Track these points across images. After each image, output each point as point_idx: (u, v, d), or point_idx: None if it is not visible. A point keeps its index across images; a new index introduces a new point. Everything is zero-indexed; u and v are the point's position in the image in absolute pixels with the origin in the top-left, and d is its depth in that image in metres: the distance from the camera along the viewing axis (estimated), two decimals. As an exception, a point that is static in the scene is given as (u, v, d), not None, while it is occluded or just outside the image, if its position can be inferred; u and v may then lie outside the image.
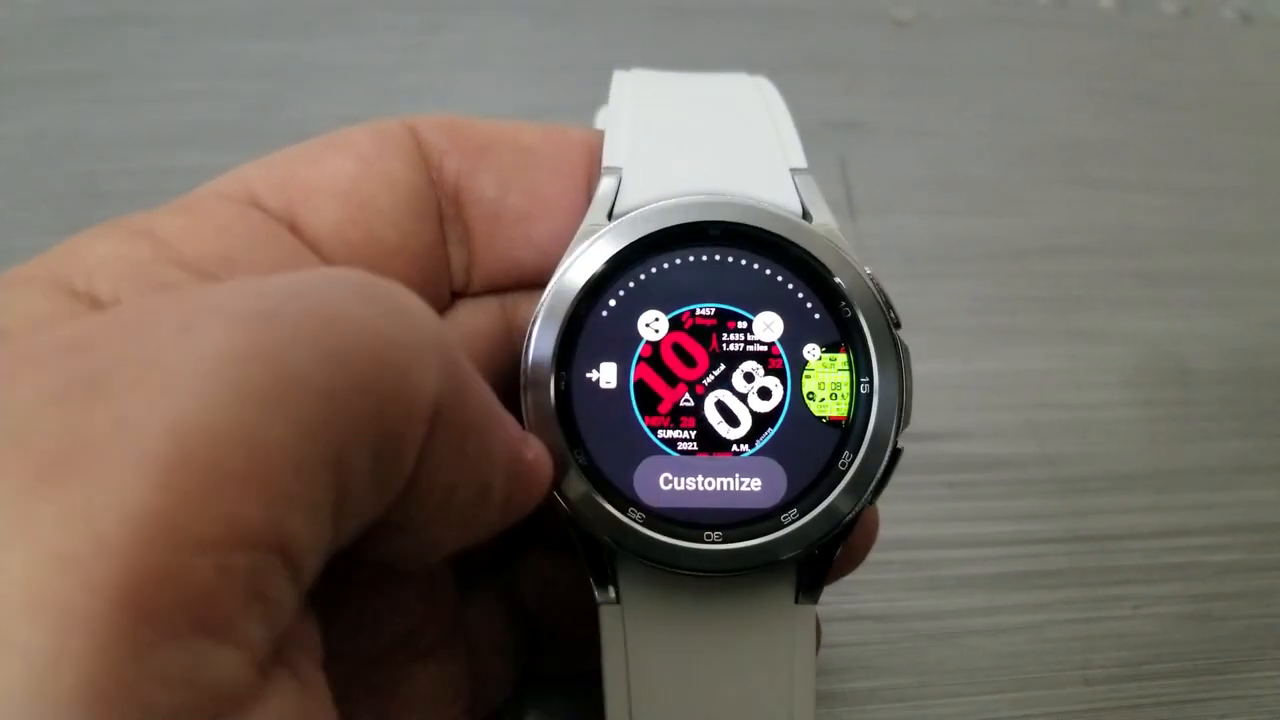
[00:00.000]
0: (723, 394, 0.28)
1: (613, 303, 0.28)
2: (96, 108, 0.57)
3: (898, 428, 0.27)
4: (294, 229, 0.27)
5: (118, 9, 0.62)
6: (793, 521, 0.27)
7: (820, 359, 0.28)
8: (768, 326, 0.28)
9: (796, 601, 0.28)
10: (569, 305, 0.27)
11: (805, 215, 0.28)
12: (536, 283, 0.29)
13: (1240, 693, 0.37)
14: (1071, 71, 0.64)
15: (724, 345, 0.28)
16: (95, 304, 0.22)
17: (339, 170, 0.27)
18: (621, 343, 0.28)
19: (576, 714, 0.34)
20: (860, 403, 0.28)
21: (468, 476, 0.22)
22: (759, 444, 0.28)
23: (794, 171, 0.29)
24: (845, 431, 0.28)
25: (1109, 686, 0.37)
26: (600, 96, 0.32)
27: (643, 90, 0.32)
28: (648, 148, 0.29)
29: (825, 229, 0.28)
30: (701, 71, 0.34)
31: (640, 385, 0.28)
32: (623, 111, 0.31)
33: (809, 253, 0.28)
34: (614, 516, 0.27)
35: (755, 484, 0.27)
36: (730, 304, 0.28)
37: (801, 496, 0.27)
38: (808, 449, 0.28)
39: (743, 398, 0.28)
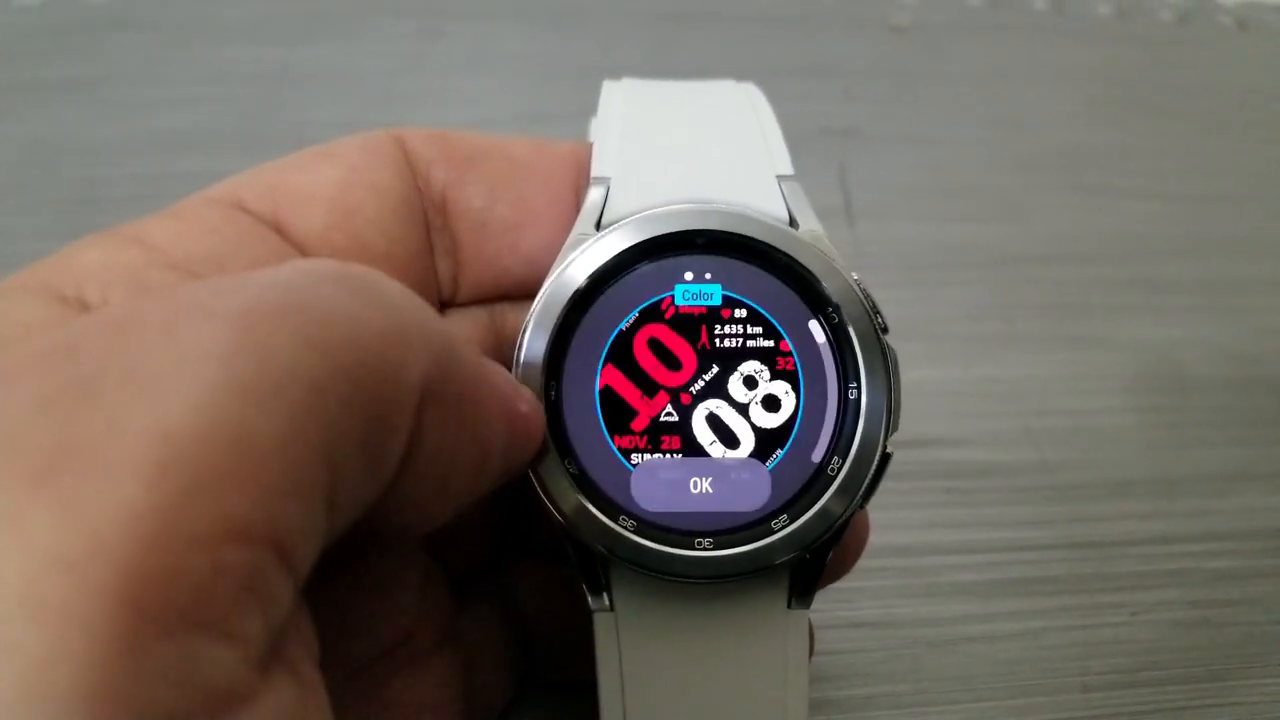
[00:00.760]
0: (716, 404, 0.28)
1: (601, 311, 0.27)
2: (94, 113, 0.57)
3: (886, 432, 0.27)
4: (280, 233, 0.27)
5: (115, 15, 0.62)
6: (783, 527, 0.27)
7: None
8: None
9: (789, 607, 0.28)
10: (558, 314, 0.27)
11: (792, 222, 0.28)
12: (524, 293, 0.29)
13: (1238, 699, 0.37)
14: (1069, 78, 0.64)
15: (717, 341, 0.28)
16: (85, 309, 0.22)
17: (326, 177, 0.28)
18: (596, 349, 0.27)
19: (573, 721, 0.34)
20: (849, 408, 0.28)
21: (467, 444, 0.23)
22: (768, 465, 0.27)
23: (780, 178, 0.29)
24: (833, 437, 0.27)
25: (1107, 693, 0.37)
26: (597, 103, 0.32)
27: (631, 100, 0.32)
28: (636, 157, 0.29)
29: (812, 235, 0.28)
30: (694, 79, 0.34)
31: (607, 395, 0.27)
32: (611, 122, 0.31)
33: (795, 259, 0.27)
34: (606, 525, 0.27)
35: (744, 489, 0.27)
36: (724, 286, 0.28)
37: (791, 502, 0.27)
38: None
39: (743, 409, 0.28)
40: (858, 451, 0.27)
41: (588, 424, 0.27)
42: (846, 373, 0.27)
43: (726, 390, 0.27)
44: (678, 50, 0.63)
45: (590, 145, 0.30)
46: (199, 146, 0.55)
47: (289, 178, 0.27)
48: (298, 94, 0.59)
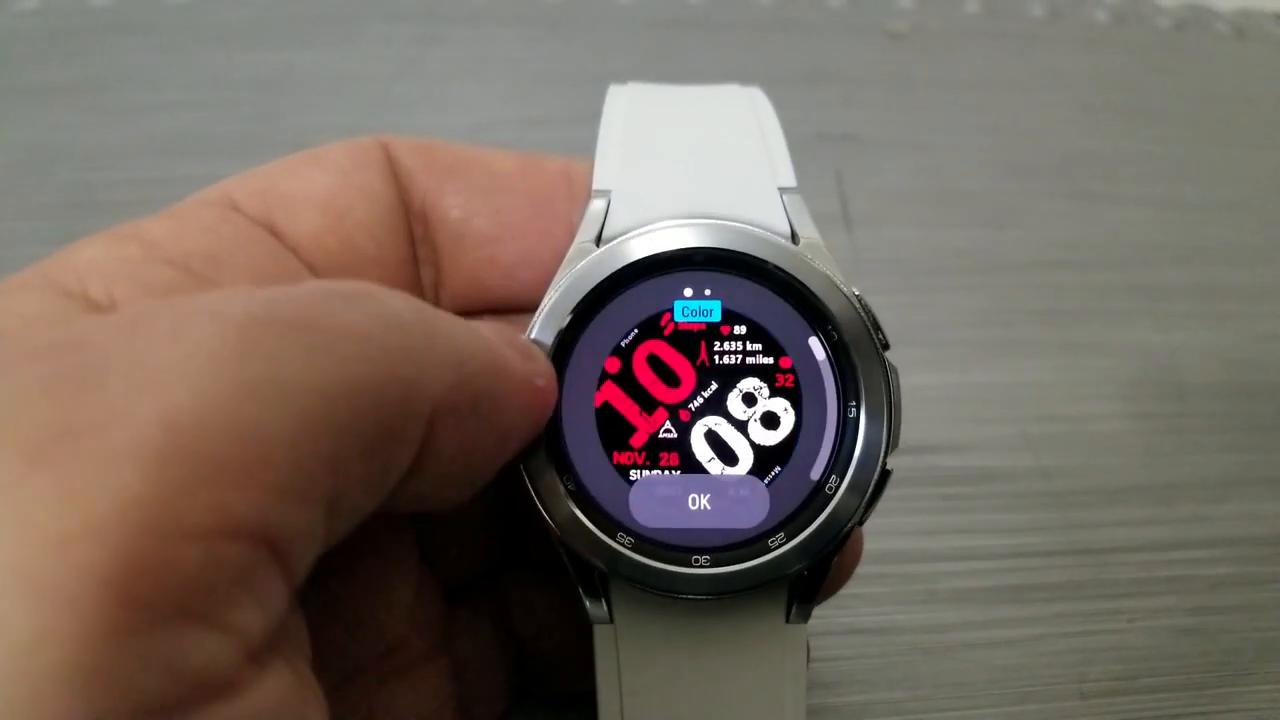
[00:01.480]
0: (715, 421, 0.28)
1: (599, 327, 0.27)
2: (93, 117, 0.57)
3: (886, 450, 0.27)
4: (273, 235, 0.27)
5: (114, 19, 0.62)
6: (780, 545, 0.27)
7: None
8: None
9: (788, 621, 0.28)
10: (557, 330, 0.27)
11: (793, 236, 0.28)
12: (504, 306, 0.29)
13: (1236, 706, 0.37)
14: (1066, 85, 0.65)
15: (716, 357, 0.28)
16: (89, 303, 0.22)
17: (317, 182, 0.28)
18: (596, 365, 0.27)
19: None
20: (848, 426, 0.27)
21: (485, 435, 0.23)
22: (766, 482, 0.27)
23: (782, 191, 0.29)
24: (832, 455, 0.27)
25: (1105, 700, 0.37)
26: (596, 108, 0.32)
27: (634, 108, 0.32)
28: (637, 169, 0.29)
29: (812, 250, 0.28)
30: (695, 84, 0.34)
31: (606, 411, 0.27)
32: (613, 132, 0.30)
33: (795, 276, 0.27)
34: (603, 541, 0.26)
35: (742, 506, 0.27)
36: (724, 302, 0.28)
37: (789, 519, 0.27)
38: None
39: (741, 426, 0.27)
40: (856, 469, 0.27)
41: (586, 440, 0.27)
42: (846, 390, 0.27)
43: (725, 407, 0.27)
44: (674, 57, 0.63)
45: (583, 161, 0.30)
46: (198, 150, 0.55)
47: (281, 182, 0.28)
48: (296, 98, 0.59)
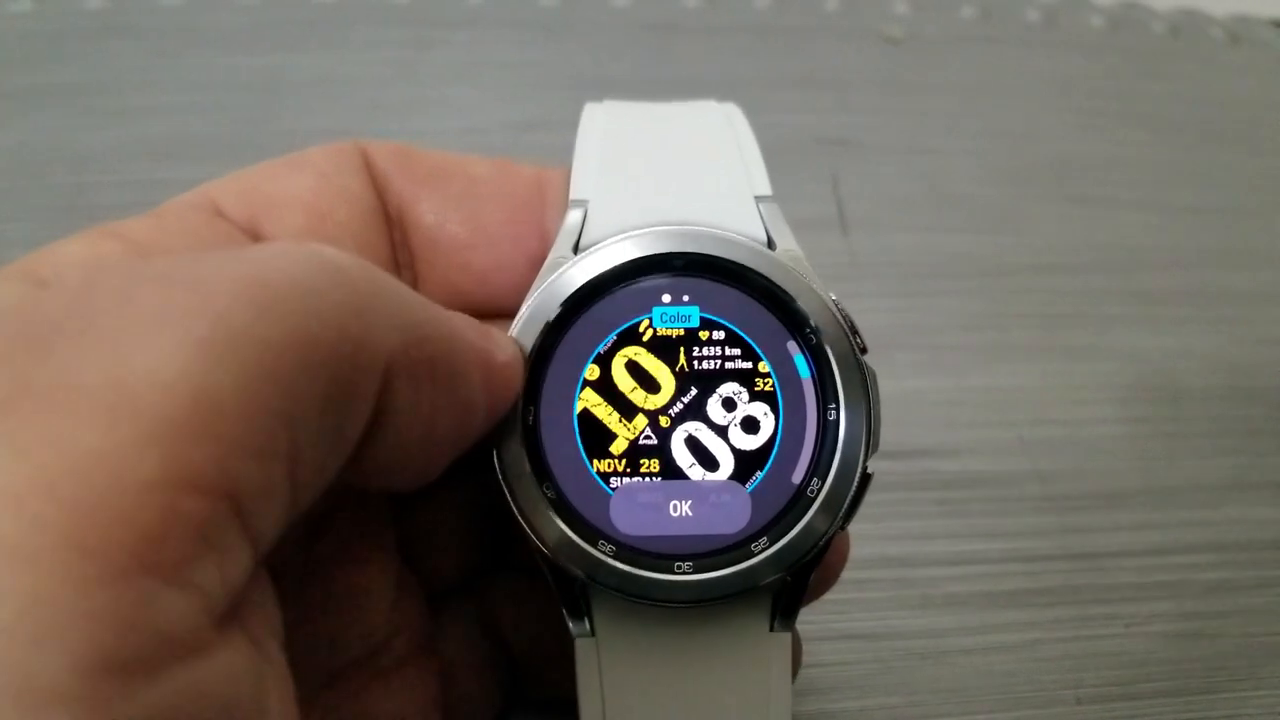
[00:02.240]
0: (695, 427, 0.27)
1: (578, 334, 0.27)
2: (85, 120, 0.56)
3: (866, 453, 0.27)
4: (257, 238, 0.27)
5: (107, 21, 0.62)
6: (763, 550, 0.27)
7: None
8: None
9: (772, 629, 0.27)
10: (536, 337, 0.27)
11: (770, 244, 0.28)
12: (480, 311, 0.29)
13: (1231, 711, 0.37)
14: (1062, 90, 0.65)
15: (695, 363, 0.28)
16: None
17: (298, 184, 0.28)
18: (575, 372, 0.27)
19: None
20: (828, 429, 0.27)
21: (445, 402, 0.23)
22: (748, 488, 0.27)
23: (759, 199, 0.29)
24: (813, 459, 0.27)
25: (1101, 705, 0.37)
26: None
27: (611, 122, 0.32)
28: (614, 180, 0.29)
29: (789, 256, 0.28)
30: (685, 90, 0.34)
31: (586, 418, 0.27)
32: (590, 144, 0.31)
33: (772, 281, 0.27)
34: (584, 550, 0.26)
35: (724, 512, 0.27)
36: (702, 308, 0.28)
37: (772, 524, 0.27)
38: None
39: (722, 431, 0.27)
40: (837, 472, 0.27)
41: (566, 448, 0.27)
42: (825, 394, 0.27)
43: (705, 412, 0.27)
44: (669, 61, 0.63)
45: (557, 169, 0.31)
46: (191, 154, 0.55)
47: (263, 184, 0.28)
48: (289, 102, 0.59)
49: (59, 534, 0.15)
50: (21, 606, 0.15)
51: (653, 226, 0.28)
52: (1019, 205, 0.57)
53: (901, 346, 0.48)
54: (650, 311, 0.27)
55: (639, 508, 0.27)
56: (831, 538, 0.27)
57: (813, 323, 0.27)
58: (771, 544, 0.27)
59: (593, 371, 0.27)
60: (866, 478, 0.27)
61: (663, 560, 0.27)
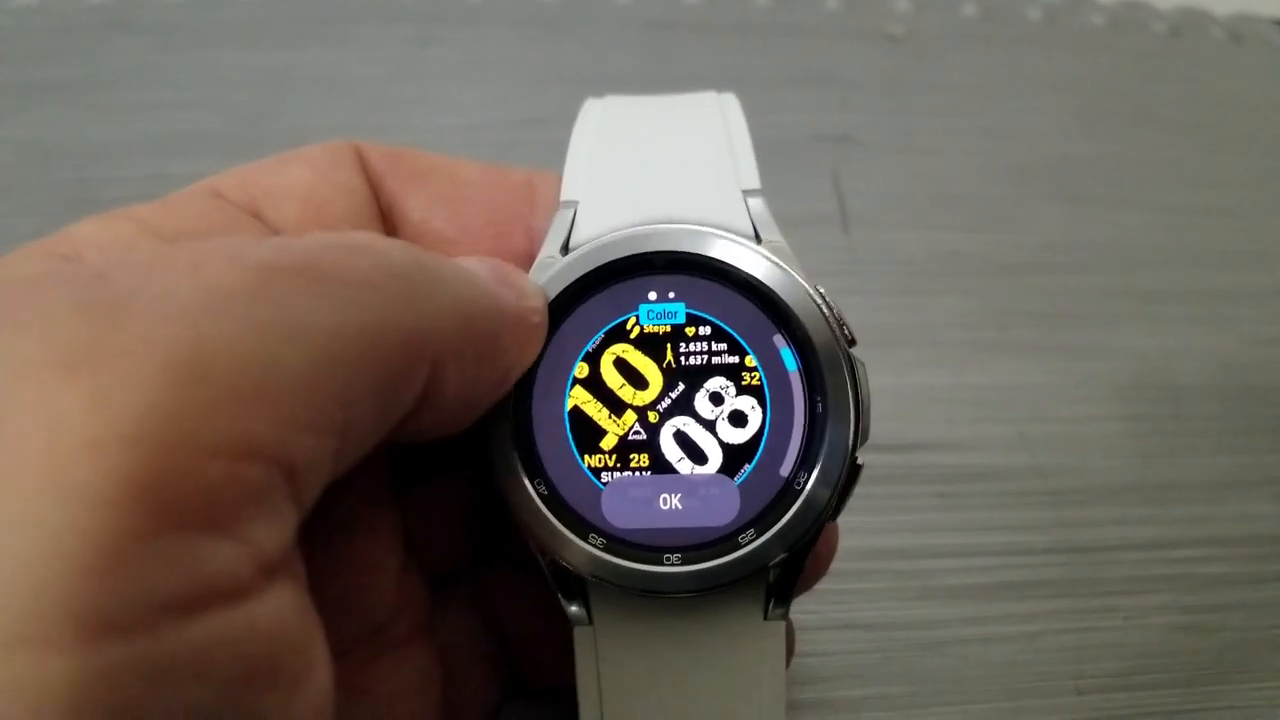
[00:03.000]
0: (683, 421, 0.28)
1: (567, 333, 0.28)
2: (90, 115, 0.57)
3: (854, 444, 0.27)
4: (259, 221, 0.28)
5: (112, 17, 0.62)
6: (750, 542, 0.27)
7: None
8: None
9: (765, 618, 0.28)
10: None
11: (756, 237, 0.28)
12: None
13: (1230, 703, 0.37)
14: (1062, 89, 0.65)
15: (682, 359, 0.28)
16: None
17: (296, 177, 0.29)
18: (564, 370, 0.28)
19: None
20: (815, 421, 0.27)
21: (487, 371, 0.24)
22: (736, 481, 0.28)
23: (746, 193, 0.29)
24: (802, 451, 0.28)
25: (1100, 696, 0.37)
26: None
27: (604, 120, 0.32)
28: (603, 180, 0.30)
29: (774, 249, 0.28)
30: (685, 88, 0.34)
31: (576, 415, 0.28)
32: (583, 144, 0.31)
33: (754, 275, 0.28)
34: (576, 543, 0.27)
35: (713, 505, 0.27)
36: (687, 304, 0.28)
37: (760, 516, 0.27)
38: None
39: (709, 425, 0.28)
40: (825, 464, 0.27)
41: (557, 444, 0.27)
42: (812, 386, 0.28)
43: (693, 407, 0.28)
44: (671, 59, 0.63)
45: (548, 173, 0.31)
46: (194, 150, 0.55)
47: (262, 177, 0.29)
48: (292, 98, 0.59)
49: (132, 484, 0.16)
50: (90, 544, 0.16)
51: (638, 225, 0.28)
52: (1019, 204, 0.57)
53: (902, 343, 0.48)
54: (637, 309, 0.28)
55: (629, 502, 0.27)
56: (820, 529, 0.27)
57: (797, 316, 0.27)
58: (759, 536, 0.27)
59: (582, 369, 0.28)
60: (856, 469, 0.27)
61: (652, 553, 0.27)
